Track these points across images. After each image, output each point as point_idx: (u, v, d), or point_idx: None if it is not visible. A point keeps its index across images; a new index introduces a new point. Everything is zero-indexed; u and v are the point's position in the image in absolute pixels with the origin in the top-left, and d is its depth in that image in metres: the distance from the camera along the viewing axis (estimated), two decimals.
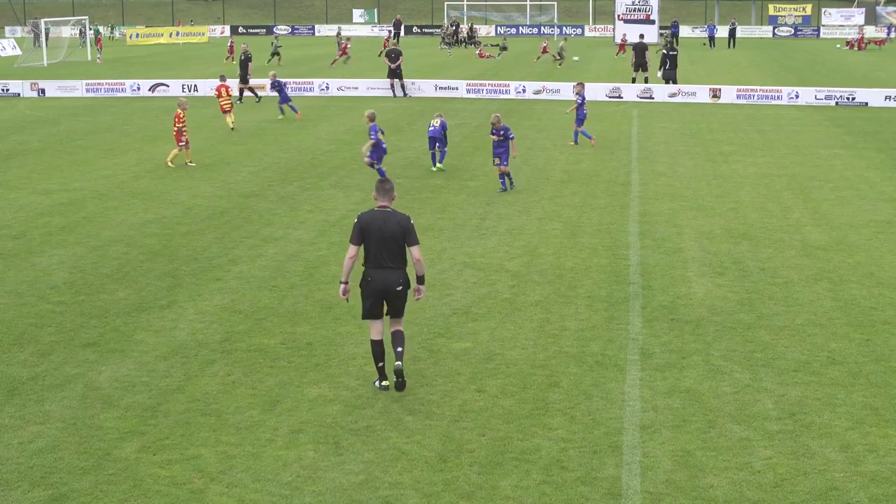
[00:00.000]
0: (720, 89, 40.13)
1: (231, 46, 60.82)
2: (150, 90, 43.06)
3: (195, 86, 43.06)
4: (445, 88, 42.41)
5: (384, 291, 10.98)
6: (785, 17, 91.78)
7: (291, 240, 18.06)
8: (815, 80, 47.09)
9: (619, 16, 77.84)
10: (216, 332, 13.20)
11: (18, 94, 42.95)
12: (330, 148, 28.64)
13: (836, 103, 38.52)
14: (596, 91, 40.78)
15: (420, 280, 11.15)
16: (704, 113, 36.24)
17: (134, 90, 42.96)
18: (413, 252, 11.01)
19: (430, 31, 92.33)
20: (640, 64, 43.27)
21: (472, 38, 79.24)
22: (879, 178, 23.69)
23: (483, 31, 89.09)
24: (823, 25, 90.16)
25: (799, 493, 8.93)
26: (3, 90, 43.20)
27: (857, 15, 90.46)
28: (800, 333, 13.04)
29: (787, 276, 15.65)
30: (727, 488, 9.01)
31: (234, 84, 36.92)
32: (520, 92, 41.63)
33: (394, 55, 41.97)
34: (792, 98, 39.12)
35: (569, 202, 21.09)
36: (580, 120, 28.70)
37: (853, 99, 38.56)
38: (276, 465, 9.47)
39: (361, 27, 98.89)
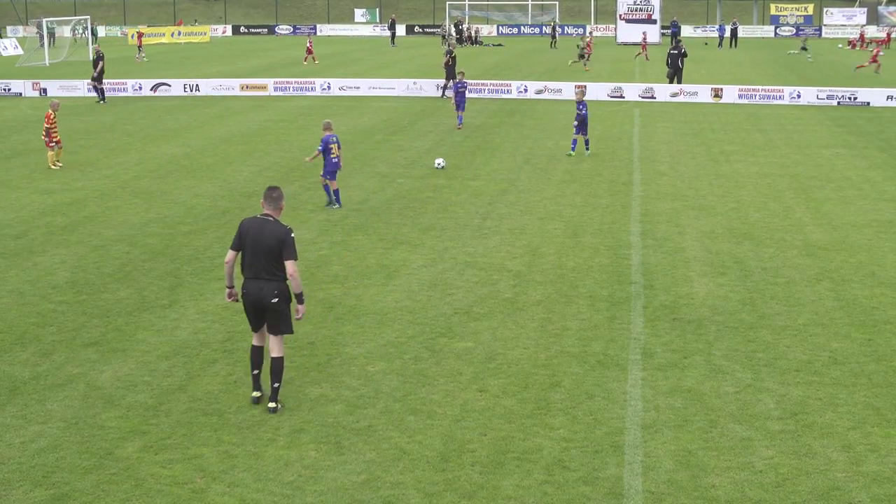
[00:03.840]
0: (722, 89, 40.10)
1: (310, 47, 57.01)
2: (151, 90, 43.08)
3: (197, 85, 43.10)
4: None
5: (258, 304, 10.45)
6: (787, 16, 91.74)
7: None
8: (817, 79, 47.07)
9: (620, 15, 77.88)
10: (218, 331, 13.20)
11: (20, 94, 42.96)
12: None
13: (838, 103, 38.50)
14: (598, 91, 40.78)
15: (298, 299, 10.48)
16: (706, 112, 36.23)
17: (136, 90, 42.97)
18: (287, 267, 10.35)
19: (432, 30, 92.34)
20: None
21: (475, 38, 79.40)
22: (881, 178, 23.69)
23: (485, 30, 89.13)
24: (825, 25, 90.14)
25: (801, 492, 8.93)
26: (4, 90, 43.21)
27: (859, 14, 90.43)
28: (801, 333, 13.03)
29: (789, 275, 15.64)
30: (729, 488, 9.01)
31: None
32: (521, 92, 41.53)
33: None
34: (794, 98, 39.11)
35: (570, 202, 21.09)
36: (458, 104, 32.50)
37: (855, 99, 38.54)
38: (277, 465, 9.47)
39: (363, 27, 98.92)
